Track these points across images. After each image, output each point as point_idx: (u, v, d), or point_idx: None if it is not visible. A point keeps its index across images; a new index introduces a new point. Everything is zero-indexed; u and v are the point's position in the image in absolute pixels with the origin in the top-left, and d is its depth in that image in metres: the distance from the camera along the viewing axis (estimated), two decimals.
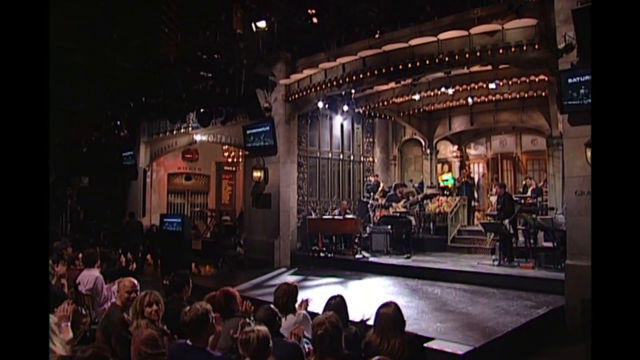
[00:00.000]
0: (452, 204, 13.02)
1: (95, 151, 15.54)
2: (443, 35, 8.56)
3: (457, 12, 9.30)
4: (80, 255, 6.94)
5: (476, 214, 14.51)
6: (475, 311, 6.78)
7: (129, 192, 17.36)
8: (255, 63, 11.74)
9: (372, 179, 14.86)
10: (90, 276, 6.35)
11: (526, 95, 11.83)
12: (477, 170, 15.29)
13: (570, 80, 7.21)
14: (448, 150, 15.85)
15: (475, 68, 10.49)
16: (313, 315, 4.19)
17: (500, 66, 10.10)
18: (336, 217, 12.67)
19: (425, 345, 4.90)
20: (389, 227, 12.20)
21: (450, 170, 15.52)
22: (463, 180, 14.36)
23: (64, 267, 7.21)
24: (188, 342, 3.13)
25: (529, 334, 6.13)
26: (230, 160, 17.48)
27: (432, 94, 12.29)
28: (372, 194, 14.11)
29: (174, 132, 15.97)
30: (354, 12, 12.01)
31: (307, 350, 3.44)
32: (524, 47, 7.95)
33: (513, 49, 8.03)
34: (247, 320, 4.03)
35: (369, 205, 13.86)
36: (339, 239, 12.54)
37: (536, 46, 7.87)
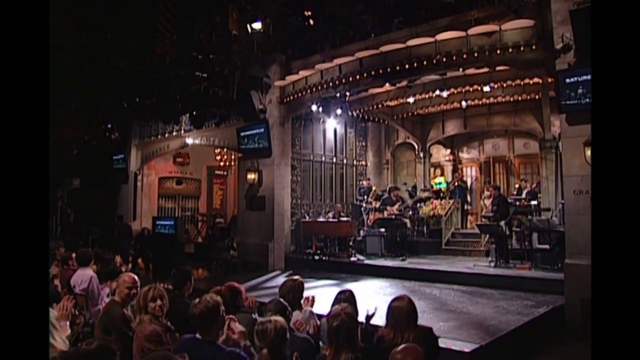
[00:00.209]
0: (446, 207, 13.04)
1: (85, 154, 15.31)
2: (441, 36, 8.57)
3: (454, 14, 9.35)
4: (74, 255, 6.77)
5: (469, 217, 14.54)
6: (476, 311, 6.74)
7: (119, 196, 17.14)
8: (250, 64, 11.69)
9: (364, 182, 14.86)
10: (84, 275, 6.19)
11: (520, 98, 11.90)
12: (470, 174, 15.34)
13: (568, 80, 7.25)
14: (441, 154, 15.88)
15: (471, 70, 10.54)
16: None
17: (496, 68, 10.17)
18: (331, 219, 12.60)
19: None
20: (384, 230, 12.18)
21: (442, 174, 15.56)
22: (456, 183, 14.39)
23: (57, 268, 7.06)
24: (197, 335, 3.02)
25: (531, 333, 6.10)
26: (222, 164, 17.34)
27: (426, 96, 12.30)
28: (365, 197, 14.10)
29: (166, 135, 15.83)
30: (349, 15, 12.01)
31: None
32: (522, 48, 8.00)
33: (510, 50, 8.06)
34: (253, 315, 3.95)
35: (362, 209, 13.85)
36: (333, 242, 12.48)
37: (533, 47, 7.92)
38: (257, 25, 10.75)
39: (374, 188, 14.57)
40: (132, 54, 9.78)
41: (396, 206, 12.26)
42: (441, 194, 13.99)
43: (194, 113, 11.90)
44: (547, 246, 9.60)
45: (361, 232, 12.76)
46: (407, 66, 8.97)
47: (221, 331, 3.04)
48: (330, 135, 14.92)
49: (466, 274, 9.22)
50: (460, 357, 4.70)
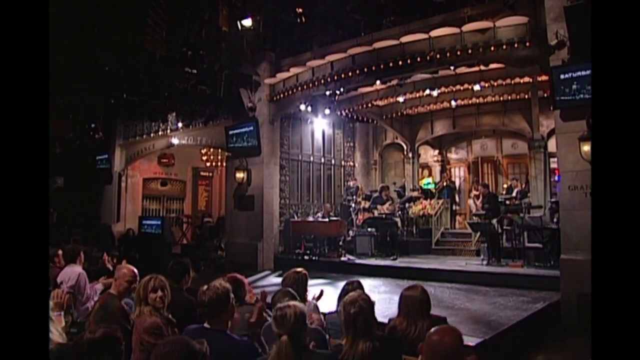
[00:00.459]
0: (436, 206, 13.02)
1: (68, 153, 14.92)
2: (434, 33, 8.56)
3: (446, 13, 9.35)
4: (60, 252, 6.51)
5: (457, 217, 14.55)
6: (474, 307, 6.69)
7: (102, 197, 16.75)
8: (240, 62, 11.53)
9: (352, 182, 14.79)
10: (72, 272, 5.94)
11: (509, 98, 11.97)
12: (458, 174, 15.37)
13: (562, 76, 7.29)
14: (429, 154, 15.90)
15: (461, 69, 10.52)
16: None
17: (487, 67, 10.19)
18: (320, 219, 12.49)
19: None
20: (374, 229, 12.11)
21: (430, 174, 15.57)
22: (444, 183, 14.40)
23: None
24: (205, 325, 2.87)
25: (530, 327, 6.07)
26: (208, 164, 17.08)
27: (416, 95, 12.29)
28: (354, 197, 14.03)
29: (152, 134, 15.54)
30: (339, 14, 11.96)
31: None
32: (515, 45, 8.01)
33: (504, 47, 8.07)
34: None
35: (350, 209, 13.76)
36: (322, 242, 12.37)
37: (527, 44, 7.94)
38: (248, 22, 10.60)
39: (361, 188, 14.53)
40: (120, 49, 9.52)
41: (387, 205, 12.20)
42: (430, 194, 13.97)
43: (182, 111, 11.66)
44: (537, 244, 9.61)
45: (350, 232, 12.67)
46: (400, 63, 8.93)
47: (231, 320, 2.89)
48: (318, 135, 14.85)
49: (459, 272, 9.19)
50: (466, 351, 4.60)
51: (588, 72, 7.00)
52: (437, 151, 15.61)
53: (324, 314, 4.20)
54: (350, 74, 9.72)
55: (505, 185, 13.47)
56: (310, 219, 13.01)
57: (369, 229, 12.24)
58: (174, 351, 1.85)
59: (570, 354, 6.00)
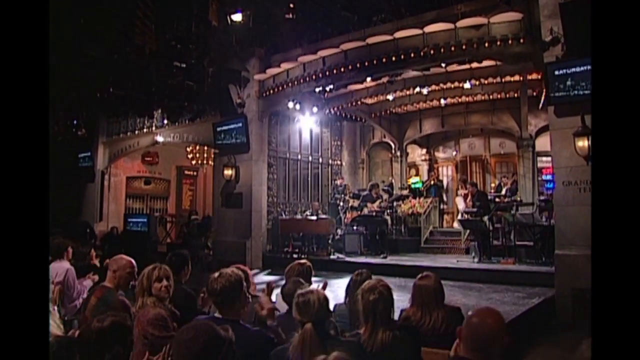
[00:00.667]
0: (425, 205, 13.02)
1: (49, 150, 14.47)
2: (429, 28, 8.52)
3: (437, 9, 9.32)
4: None
5: (445, 216, 14.58)
6: (470, 302, 6.65)
7: (85, 196, 16.34)
8: (229, 57, 11.35)
9: (339, 181, 14.72)
10: (60, 268, 5.71)
11: (499, 96, 12.03)
12: (446, 173, 15.41)
13: (557, 73, 7.30)
14: (416, 154, 15.91)
15: (452, 67, 10.56)
16: None
17: (477, 65, 10.22)
18: (309, 217, 12.38)
19: None
20: (364, 227, 12.04)
21: (417, 174, 15.57)
22: (432, 182, 14.42)
23: None
24: (216, 314, 2.72)
25: (529, 322, 6.05)
26: (194, 162, 16.82)
27: (406, 93, 12.28)
28: (342, 195, 13.96)
29: (136, 132, 15.23)
30: (329, 11, 11.87)
31: None
32: (509, 41, 8.03)
33: (498, 43, 8.08)
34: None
35: (339, 207, 13.68)
36: (311, 241, 12.26)
37: (521, 40, 7.95)
38: (238, 17, 10.45)
39: (347, 186, 14.50)
40: (107, 42, 9.27)
41: (377, 203, 12.13)
42: (418, 193, 13.97)
43: (170, 107, 11.42)
44: (527, 242, 9.63)
45: (338, 231, 12.58)
46: (393, 59, 8.87)
47: (243, 309, 2.75)
48: (305, 133, 14.76)
49: (452, 269, 9.15)
50: None
51: (583, 68, 7.04)
52: (424, 150, 15.63)
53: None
54: (342, 69, 9.63)
55: (493, 184, 13.54)
56: (299, 217, 12.89)
57: (359, 227, 12.17)
58: (198, 337, 1.72)
59: (568, 348, 5.99)
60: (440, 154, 15.65)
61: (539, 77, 10.58)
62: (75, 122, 14.24)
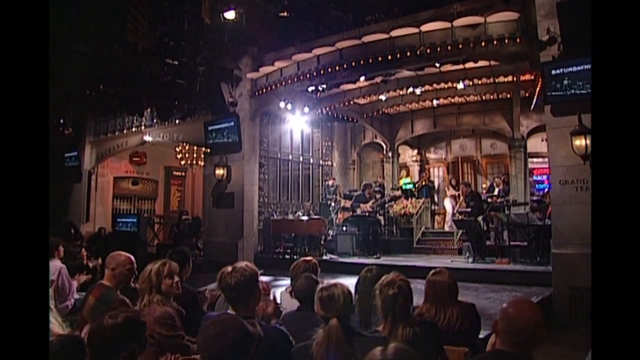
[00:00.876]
0: (417, 205, 13.00)
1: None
2: (425, 27, 8.49)
3: (431, 9, 9.30)
4: None
5: (436, 217, 14.58)
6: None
7: (71, 196, 16.02)
8: (221, 55, 11.21)
9: (331, 182, 14.67)
10: (52, 267, 5.54)
11: (491, 97, 12.06)
12: (437, 174, 15.42)
13: (554, 72, 7.32)
14: (407, 154, 15.90)
15: (446, 67, 10.53)
16: None
17: (470, 65, 10.20)
18: (301, 218, 12.28)
19: None
20: (356, 228, 11.97)
21: (408, 174, 15.54)
22: (423, 183, 14.41)
23: None
24: (230, 311, 2.60)
25: None
26: (183, 162, 16.61)
27: (399, 93, 12.24)
28: (334, 196, 13.90)
29: (124, 131, 15.00)
30: (322, 10, 11.81)
31: None
32: (506, 41, 8.04)
33: (495, 42, 8.08)
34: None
35: (330, 208, 13.61)
36: (302, 241, 12.16)
37: (517, 40, 7.96)
38: (230, 15, 10.32)
39: (339, 186, 14.46)
40: (98, 38, 9.05)
41: (370, 203, 12.06)
42: (410, 194, 13.95)
43: (161, 105, 11.22)
44: (521, 242, 9.63)
45: (330, 232, 12.50)
46: (389, 57, 8.83)
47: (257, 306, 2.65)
48: (296, 134, 14.68)
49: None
50: None
51: (579, 67, 7.07)
52: (415, 151, 15.62)
53: None
54: (337, 68, 9.56)
55: (484, 185, 13.57)
56: (291, 217, 12.78)
57: (351, 228, 12.10)
58: (226, 331, 1.61)
59: (567, 346, 5.99)
60: (431, 155, 15.66)
61: (532, 78, 10.65)
62: (61, 120, 13.95)
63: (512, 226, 9.53)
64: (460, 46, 8.25)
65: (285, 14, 10.87)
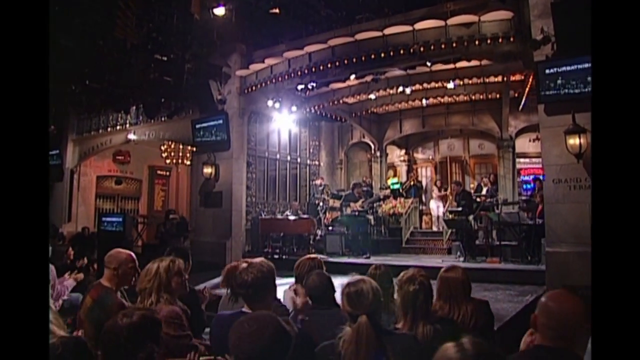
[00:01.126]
0: (406, 205, 12.99)
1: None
2: (419, 25, 8.46)
3: (423, 7, 9.27)
4: None
5: (424, 217, 14.58)
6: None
7: (52, 195, 15.62)
8: (210, 52, 11.04)
9: (319, 181, 14.58)
10: None
11: (480, 97, 12.10)
12: (425, 174, 15.44)
13: (547, 71, 7.36)
14: (395, 154, 15.90)
15: (436, 67, 10.53)
16: None
17: (461, 65, 10.24)
18: (290, 217, 12.17)
19: None
20: (345, 227, 11.90)
21: (395, 174, 15.56)
22: (411, 183, 14.40)
23: None
24: (244, 309, 2.49)
25: (525, 319, 6.00)
26: (168, 161, 16.34)
27: (389, 92, 12.20)
28: (322, 196, 13.82)
29: (108, 129, 14.70)
30: (313, 9, 11.69)
31: None
32: (499, 40, 8.05)
33: (488, 41, 8.09)
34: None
35: (318, 208, 13.51)
36: (291, 241, 12.04)
37: (511, 39, 7.98)
38: (220, 11, 10.15)
39: (327, 186, 14.40)
40: (85, 33, 8.80)
41: (359, 202, 12.01)
42: (398, 194, 13.94)
43: (148, 102, 10.99)
44: (510, 242, 9.67)
45: (318, 232, 12.41)
46: (382, 55, 8.78)
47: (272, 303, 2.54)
48: (284, 133, 14.58)
49: (439, 269, 9.06)
50: None
51: (573, 67, 7.13)
52: (403, 151, 15.63)
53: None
54: (329, 65, 9.46)
55: (472, 185, 13.62)
56: (280, 217, 12.66)
57: (340, 228, 12.03)
58: (264, 329, 1.50)
59: None
60: (419, 155, 15.68)
61: (522, 78, 10.72)
62: None
63: (503, 225, 9.55)
64: (454, 45, 8.24)
65: (277, 10, 10.71)
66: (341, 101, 13.02)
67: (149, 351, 1.89)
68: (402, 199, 13.27)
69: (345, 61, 9.21)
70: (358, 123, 14.90)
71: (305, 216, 12.17)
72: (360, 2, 11.25)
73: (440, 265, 9.34)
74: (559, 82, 7.24)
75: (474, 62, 10.14)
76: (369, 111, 14.12)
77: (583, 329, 1.76)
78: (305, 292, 3.00)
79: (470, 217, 9.80)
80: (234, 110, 11.54)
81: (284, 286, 8.21)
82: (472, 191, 12.88)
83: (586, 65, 6.92)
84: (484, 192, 11.85)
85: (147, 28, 9.30)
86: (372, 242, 11.94)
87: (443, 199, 13.51)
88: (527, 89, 10.45)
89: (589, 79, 6.89)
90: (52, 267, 5.47)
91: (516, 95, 11.80)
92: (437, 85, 11.47)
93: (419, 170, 15.43)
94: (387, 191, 13.90)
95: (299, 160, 15.11)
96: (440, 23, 8.32)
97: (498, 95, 11.91)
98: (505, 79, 10.90)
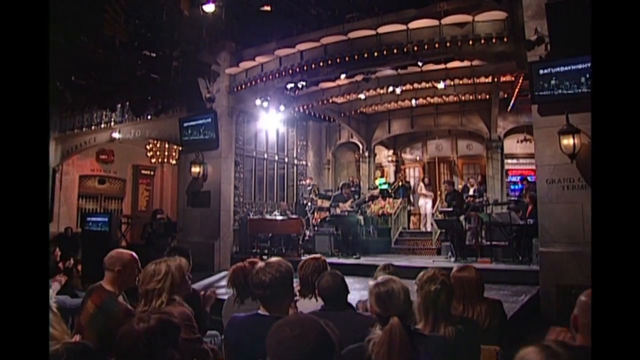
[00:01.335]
0: (395, 206, 12.98)
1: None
2: (413, 24, 8.42)
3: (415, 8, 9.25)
4: None
5: (412, 217, 14.60)
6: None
7: None
8: (198, 50, 10.85)
9: (307, 181, 14.51)
10: None
11: (470, 98, 12.15)
12: (413, 174, 15.46)
13: (541, 72, 7.37)
14: (383, 155, 15.90)
15: (427, 67, 10.50)
16: None
17: (452, 65, 10.24)
18: (278, 217, 12.06)
19: None
20: (334, 228, 11.84)
21: (383, 175, 15.55)
22: (399, 183, 14.41)
23: None
24: (260, 311, 2.38)
25: (521, 318, 6.02)
26: (154, 160, 16.06)
27: (379, 92, 12.16)
28: (310, 196, 13.75)
29: (92, 127, 14.38)
30: (302, 8, 11.60)
31: None
32: (493, 40, 8.05)
33: (482, 41, 8.09)
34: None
35: (306, 208, 13.43)
36: (279, 241, 11.93)
37: (505, 39, 7.99)
38: (210, 8, 9.98)
39: (315, 186, 14.35)
40: (71, 28, 8.55)
41: (349, 202, 11.95)
42: (386, 194, 13.93)
43: (135, 100, 10.75)
44: (500, 242, 9.70)
45: (307, 232, 12.32)
46: (375, 54, 8.72)
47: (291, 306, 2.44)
48: (271, 132, 14.50)
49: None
50: None
51: (567, 67, 7.15)
52: (391, 151, 15.63)
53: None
54: (321, 64, 9.36)
55: (460, 186, 13.67)
56: (269, 217, 12.54)
57: (329, 228, 11.97)
58: (308, 334, 1.39)
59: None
60: (407, 155, 15.70)
61: (512, 79, 10.78)
62: None
63: (494, 225, 9.58)
64: (448, 44, 8.22)
65: (268, 8, 10.58)
66: (330, 101, 12.95)
67: (169, 358, 1.78)
68: (391, 200, 13.26)
69: (338, 60, 9.13)
70: (346, 123, 14.85)
71: (294, 216, 12.07)
72: (351, 1, 11.20)
73: (433, 266, 9.35)
74: (552, 82, 7.26)
75: (465, 62, 10.14)
76: (358, 111, 14.09)
77: None
78: (318, 293, 2.90)
79: (461, 218, 9.80)
80: (223, 108, 11.37)
81: None
82: (460, 191, 12.95)
83: (580, 65, 6.96)
84: (470, 192, 11.89)
85: (135, 24, 9.09)
86: (361, 242, 11.91)
87: (430, 197, 13.60)
88: (516, 90, 10.52)
89: (583, 79, 6.94)
90: None
91: (505, 96, 11.87)
92: (427, 85, 11.47)
93: (406, 170, 15.46)
94: (376, 191, 13.87)
95: (286, 160, 15.03)
96: (434, 22, 8.29)
97: (487, 96, 11.97)
98: (495, 79, 10.95)
